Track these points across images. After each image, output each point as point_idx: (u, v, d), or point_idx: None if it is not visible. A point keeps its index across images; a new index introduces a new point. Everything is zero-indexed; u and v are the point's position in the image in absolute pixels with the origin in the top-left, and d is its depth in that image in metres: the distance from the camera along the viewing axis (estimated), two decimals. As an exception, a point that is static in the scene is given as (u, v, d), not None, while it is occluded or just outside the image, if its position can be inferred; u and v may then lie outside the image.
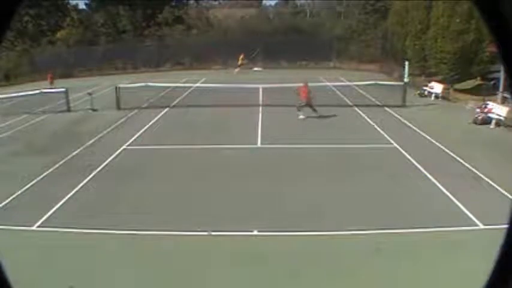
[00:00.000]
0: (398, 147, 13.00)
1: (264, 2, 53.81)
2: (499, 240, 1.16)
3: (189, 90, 24.21)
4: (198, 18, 44.90)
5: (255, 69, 36.51)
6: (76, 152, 13.17)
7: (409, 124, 16.07)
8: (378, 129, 15.40)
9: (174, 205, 9.00)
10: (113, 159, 12.45)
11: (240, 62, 34.71)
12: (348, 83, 24.79)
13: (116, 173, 11.27)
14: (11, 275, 1.22)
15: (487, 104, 17.01)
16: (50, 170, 11.39)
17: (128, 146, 13.87)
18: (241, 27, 43.45)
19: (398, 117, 17.41)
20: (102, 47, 39.43)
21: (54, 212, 8.66)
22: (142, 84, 22.50)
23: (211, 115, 18.28)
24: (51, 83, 27.82)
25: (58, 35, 40.50)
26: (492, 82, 21.58)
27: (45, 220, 8.29)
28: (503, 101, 17.45)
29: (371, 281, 6.22)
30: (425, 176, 10.39)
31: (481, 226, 7.71)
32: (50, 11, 40.24)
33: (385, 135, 14.40)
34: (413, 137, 14.30)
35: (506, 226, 1.17)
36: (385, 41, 32.69)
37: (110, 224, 8.03)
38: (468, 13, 20.57)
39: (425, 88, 22.96)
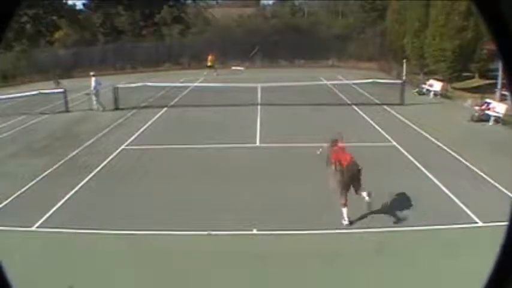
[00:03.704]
0: (397, 145, 13.01)
1: (262, 1, 53.69)
2: (498, 238, 1.16)
3: (188, 90, 24.23)
4: (196, 17, 44.88)
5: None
6: (75, 152, 13.16)
7: (408, 122, 16.08)
8: (377, 127, 15.41)
9: (173, 205, 8.99)
10: (111, 159, 12.45)
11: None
12: (346, 82, 24.81)
13: (115, 173, 11.26)
14: (11, 275, 1.23)
15: (486, 101, 17.05)
16: (49, 171, 11.39)
17: (126, 146, 13.87)
18: (240, 26, 43.40)
19: (397, 115, 17.42)
20: (101, 47, 39.37)
21: (53, 212, 8.66)
22: (141, 84, 22.51)
23: (210, 114, 18.27)
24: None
25: (56, 35, 40.41)
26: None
27: (45, 220, 8.29)
28: (502, 99, 17.46)
29: (371, 280, 6.23)
30: (425, 174, 10.41)
31: (480, 224, 7.73)
32: (48, 11, 40.14)
33: (384, 134, 14.40)
34: (412, 135, 14.31)
35: (506, 224, 1.17)
36: (384, 40, 32.69)
37: (109, 224, 8.03)
38: (466, 11, 20.57)
39: (424, 86, 22.99)
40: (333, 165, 8.14)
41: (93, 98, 20.25)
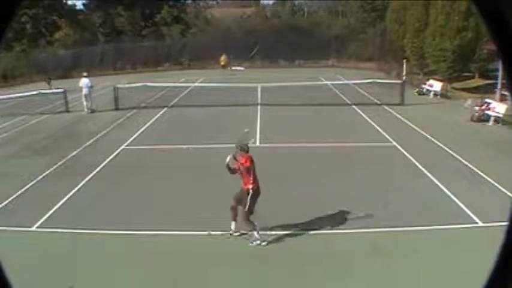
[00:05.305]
0: (397, 145, 13.00)
1: (262, 1, 53.72)
2: (498, 238, 1.16)
3: (188, 90, 24.23)
4: (196, 17, 44.89)
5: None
6: (75, 152, 13.16)
7: (408, 122, 16.08)
8: (377, 127, 15.41)
9: (173, 205, 8.99)
10: (112, 159, 12.45)
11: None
12: (346, 82, 24.81)
13: (115, 173, 11.26)
14: (11, 275, 1.23)
15: (486, 101, 17.05)
16: (49, 171, 11.38)
17: (126, 146, 13.87)
18: (240, 26, 43.45)
19: (397, 115, 17.43)
20: (101, 47, 39.38)
21: (53, 213, 8.65)
22: (141, 84, 22.51)
23: (210, 115, 18.27)
24: (50, 83, 27.48)
25: (56, 35, 40.42)
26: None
27: (45, 220, 8.29)
28: (502, 99, 17.46)
29: (371, 280, 6.22)
30: (425, 174, 10.40)
31: (480, 224, 7.72)
32: (48, 11, 40.14)
33: (384, 134, 14.40)
34: (412, 135, 14.31)
35: (506, 224, 1.17)
36: (384, 40, 32.71)
37: (109, 224, 8.03)
38: (466, 11, 20.57)
39: (424, 86, 23.00)
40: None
41: (83, 98, 19.96)
